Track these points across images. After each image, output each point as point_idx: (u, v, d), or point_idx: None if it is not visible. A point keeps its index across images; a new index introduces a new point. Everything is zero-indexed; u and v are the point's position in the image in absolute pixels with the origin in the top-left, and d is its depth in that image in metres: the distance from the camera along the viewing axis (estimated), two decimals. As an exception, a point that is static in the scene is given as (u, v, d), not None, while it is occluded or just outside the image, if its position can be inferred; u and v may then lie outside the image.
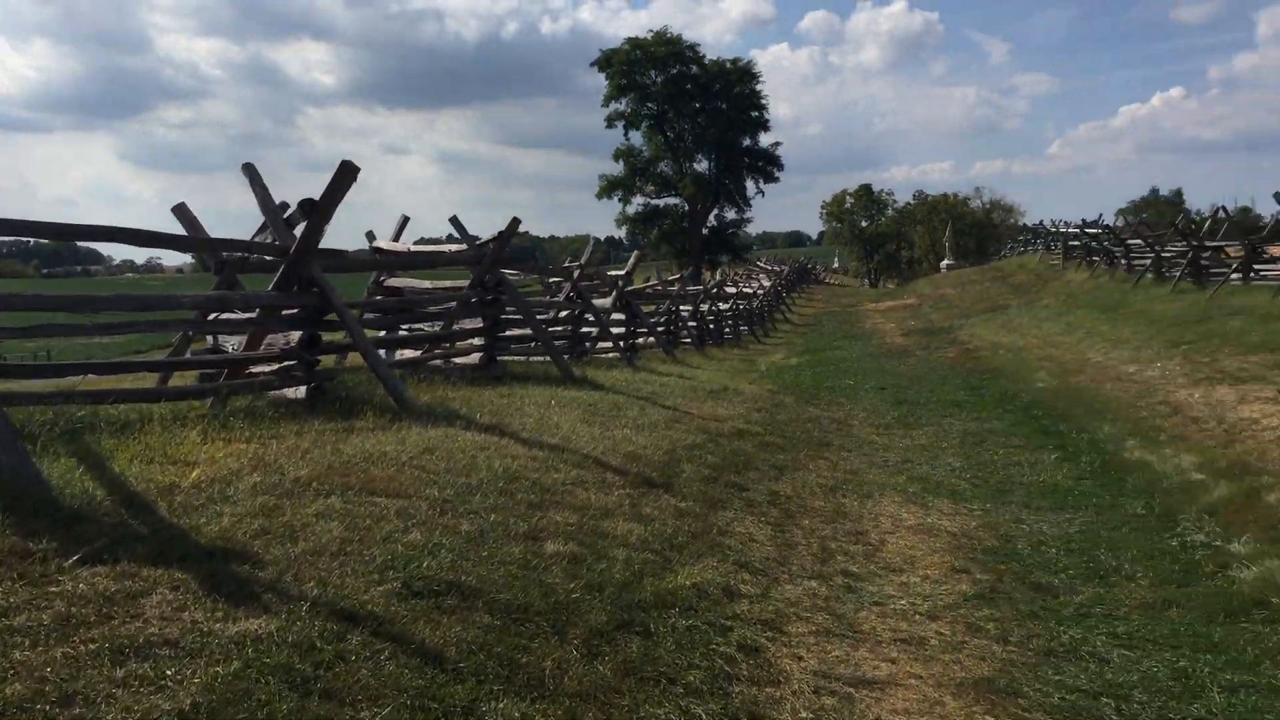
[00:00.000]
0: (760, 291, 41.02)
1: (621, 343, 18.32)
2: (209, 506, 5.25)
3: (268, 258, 9.22)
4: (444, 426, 8.09)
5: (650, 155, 77.38)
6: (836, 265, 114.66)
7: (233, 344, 9.80)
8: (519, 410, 9.55)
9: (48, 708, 3.20)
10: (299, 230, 8.87)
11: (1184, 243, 26.37)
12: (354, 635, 4.04)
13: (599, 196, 78.31)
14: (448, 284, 14.17)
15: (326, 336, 9.41)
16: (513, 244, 13.47)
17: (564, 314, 17.24)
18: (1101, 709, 4.84)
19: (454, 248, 13.30)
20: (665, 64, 75.39)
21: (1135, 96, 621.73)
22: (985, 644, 5.67)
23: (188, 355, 10.16)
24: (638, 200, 78.19)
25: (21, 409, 7.02)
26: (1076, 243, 39.30)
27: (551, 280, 18.82)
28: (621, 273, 20.25)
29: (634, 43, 75.96)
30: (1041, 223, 57.64)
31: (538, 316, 13.85)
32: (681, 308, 25.13)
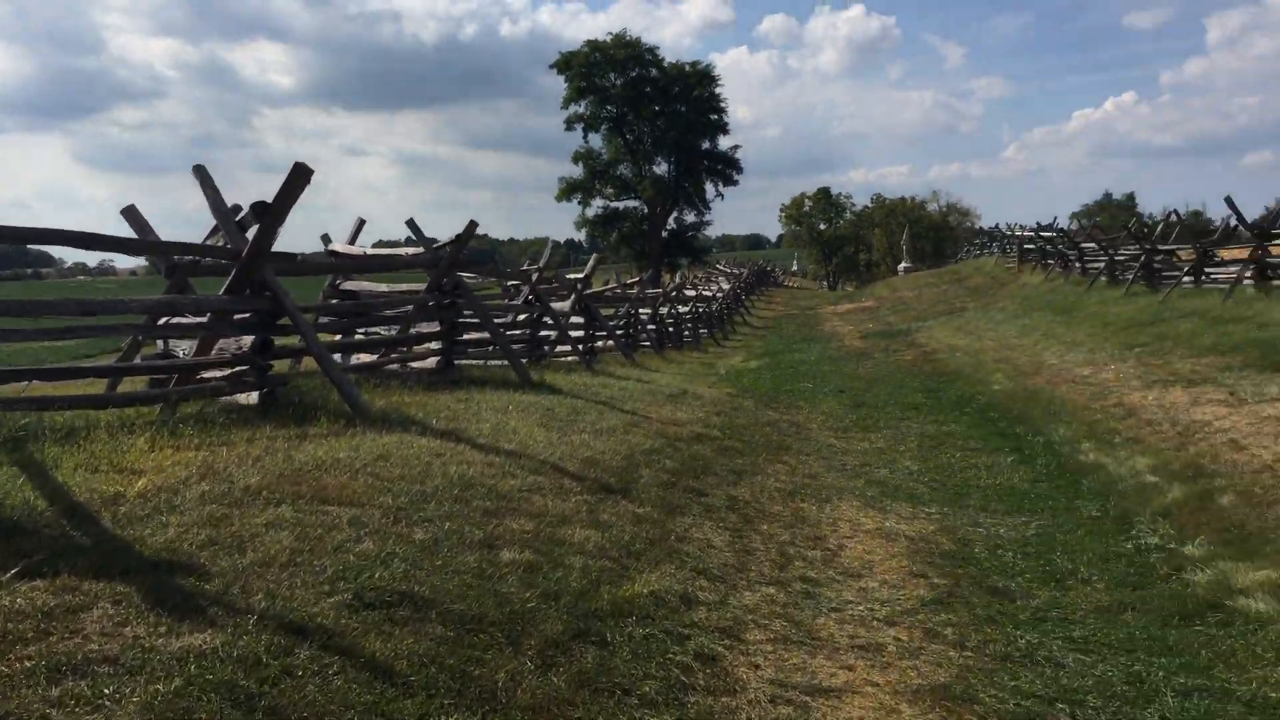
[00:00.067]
0: (719, 294, 41.00)
1: (580, 346, 18.25)
2: (155, 517, 5.13)
3: (220, 261, 9.07)
4: (399, 432, 7.99)
5: (610, 158, 77.37)
6: (795, 268, 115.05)
7: (184, 349, 9.63)
8: (476, 415, 9.46)
9: (-21, 730, 3.09)
10: (251, 233, 8.74)
11: (1137, 246, 26.68)
12: (302, 649, 3.95)
13: (558, 199, 78.24)
14: (404, 287, 14.05)
15: (280, 341, 9.27)
16: (471, 247, 13.37)
17: (522, 317, 17.14)
18: (1057, 715, 4.85)
19: (411, 251, 13.16)
20: (624, 67, 75.42)
21: (1088, 101, 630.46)
22: (942, 650, 5.66)
23: (137, 360, 9.98)
24: (597, 203, 78.27)
25: (-38, 417, 6.84)
26: (1032, 246, 39.68)
27: (510, 283, 18.70)
28: (580, 276, 20.18)
29: (593, 45, 75.88)
30: (997, 226, 58.33)
31: (496, 320, 13.76)
32: (641, 311, 25.07)
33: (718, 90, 77.47)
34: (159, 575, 4.37)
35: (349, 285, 13.38)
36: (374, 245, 15.74)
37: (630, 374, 17.01)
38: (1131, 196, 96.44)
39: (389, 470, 6.70)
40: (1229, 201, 20.58)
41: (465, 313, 13.06)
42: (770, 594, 6.43)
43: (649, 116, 76.36)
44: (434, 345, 12.73)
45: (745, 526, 8.04)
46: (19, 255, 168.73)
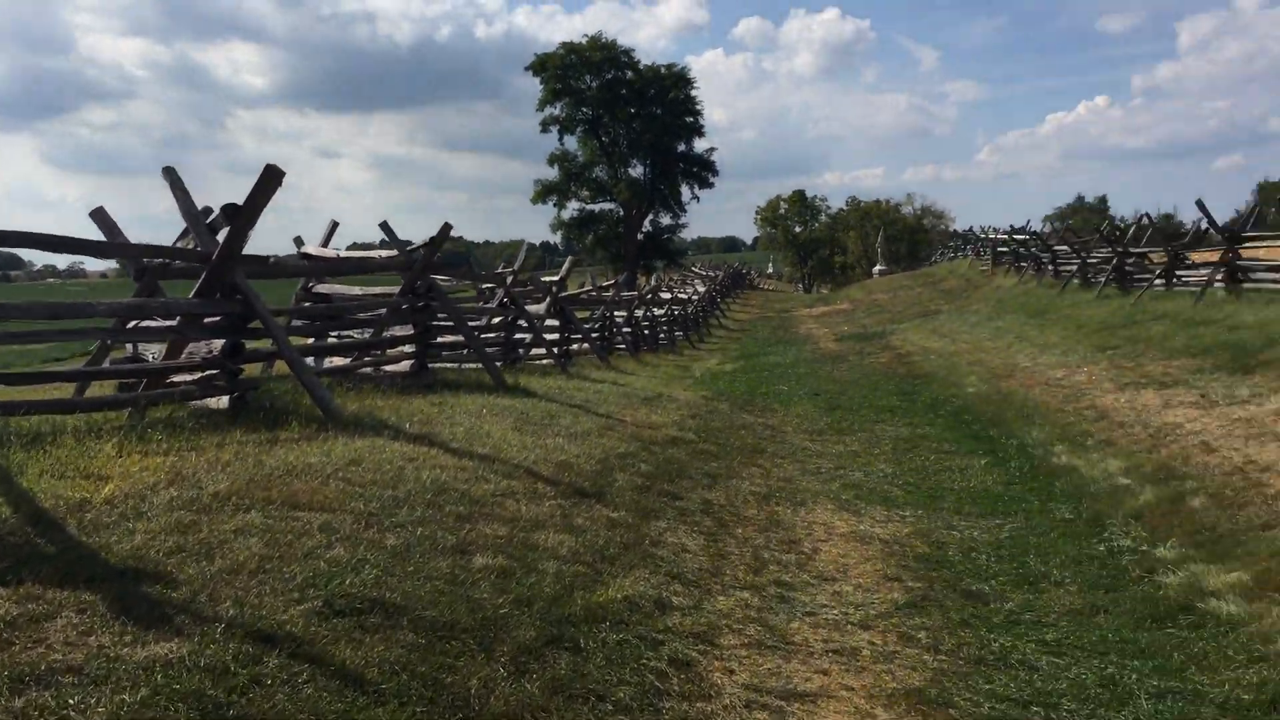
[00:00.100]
0: (695, 297, 41.09)
1: (555, 349, 18.21)
2: (121, 523, 5.05)
3: (191, 264, 8.97)
4: (371, 437, 7.92)
5: (585, 160, 77.39)
6: (771, 270, 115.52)
7: (153, 352, 9.52)
8: (449, 419, 9.40)
9: (-62, 743, 3.03)
10: (222, 235, 8.65)
11: (1109, 249, 26.89)
12: (271, 658, 3.90)
13: (534, 201, 78.27)
14: (378, 290, 13.95)
15: (251, 344, 9.18)
16: (446, 249, 13.29)
17: (497, 320, 17.08)
18: (1031, 718, 4.86)
19: (385, 253, 13.07)
20: (600, 69, 75.44)
21: (1061, 105, 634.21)
22: (917, 653, 5.66)
23: (106, 364, 9.86)
24: (573, 205, 78.33)
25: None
26: (1005, 249, 39.94)
27: (485, 286, 18.60)
28: (556, 278, 20.14)
29: (569, 47, 75.89)
30: (971, 229, 58.62)
31: (470, 323, 13.69)
32: (616, 313, 25.05)
33: (693, 93, 77.82)
34: (125, 583, 4.31)
35: (322, 288, 13.29)
36: (348, 248, 15.61)
37: (605, 377, 16.98)
38: (1104, 199, 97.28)
39: (361, 475, 6.64)
40: (1200, 205, 20.74)
41: (439, 316, 12.99)
42: (745, 598, 6.41)
43: (624, 119, 76.48)
44: (407, 348, 12.64)
45: (720, 530, 8.03)
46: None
